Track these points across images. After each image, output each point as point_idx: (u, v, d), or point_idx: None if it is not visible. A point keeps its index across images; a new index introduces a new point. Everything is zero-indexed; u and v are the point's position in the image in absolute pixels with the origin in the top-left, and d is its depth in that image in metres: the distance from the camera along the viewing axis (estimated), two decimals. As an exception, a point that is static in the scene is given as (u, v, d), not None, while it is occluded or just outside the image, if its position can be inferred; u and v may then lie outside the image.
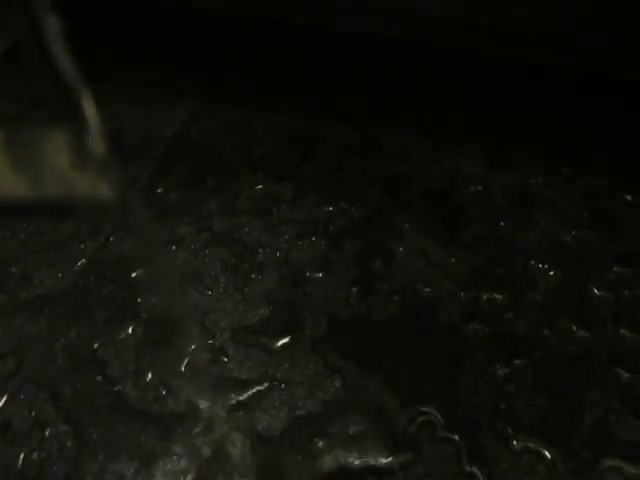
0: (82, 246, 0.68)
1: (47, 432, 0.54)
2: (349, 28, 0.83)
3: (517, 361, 0.56)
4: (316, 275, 0.65)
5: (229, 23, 0.95)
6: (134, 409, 0.55)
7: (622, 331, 0.58)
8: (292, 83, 0.87)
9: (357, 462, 0.51)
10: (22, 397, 0.56)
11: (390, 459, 0.51)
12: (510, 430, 0.52)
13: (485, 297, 0.61)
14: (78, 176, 0.25)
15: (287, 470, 0.51)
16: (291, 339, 0.60)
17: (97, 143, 0.25)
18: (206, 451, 0.53)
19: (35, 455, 0.53)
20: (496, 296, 0.61)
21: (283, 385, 0.57)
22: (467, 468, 0.50)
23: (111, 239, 0.68)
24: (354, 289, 0.63)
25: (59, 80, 0.22)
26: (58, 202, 0.26)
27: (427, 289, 0.63)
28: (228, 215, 0.71)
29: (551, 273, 0.63)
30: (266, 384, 0.57)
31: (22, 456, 0.53)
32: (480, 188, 0.71)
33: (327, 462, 0.51)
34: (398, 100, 0.82)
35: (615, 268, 0.62)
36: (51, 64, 0.21)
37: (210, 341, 0.60)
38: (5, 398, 0.57)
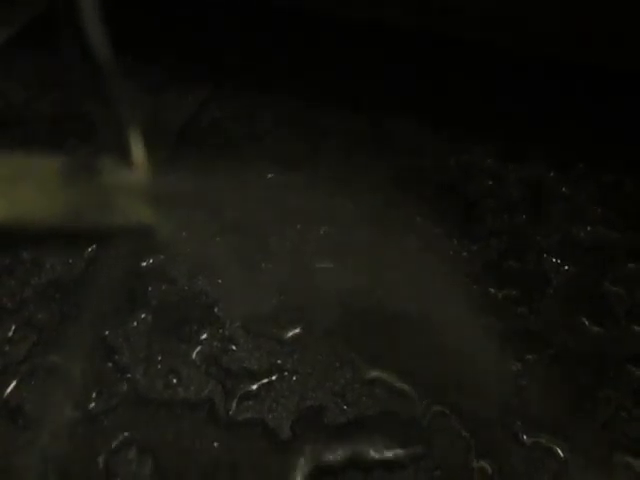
0: (92, 232, 0.68)
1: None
2: (365, 16, 0.82)
3: (529, 357, 0.56)
4: (327, 265, 0.64)
5: (242, 11, 0.94)
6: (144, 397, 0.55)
7: (635, 328, 0.58)
8: (305, 72, 0.86)
9: (367, 454, 0.51)
10: (33, 383, 0.56)
11: (400, 452, 0.51)
12: (521, 425, 0.52)
13: (497, 292, 0.61)
14: (120, 200, 0.25)
15: (296, 462, 0.51)
16: (302, 329, 0.59)
17: (135, 145, 0.25)
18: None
19: (45, 439, 0.53)
20: (509, 291, 0.61)
21: (293, 376, 0.56)
22: (477, 462, 0.50)
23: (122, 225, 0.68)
24: (365, 280, 0.63)
25: (91, 54, 0.21)
26: (100, 227, 0.26)
27: (439, 282, 0.62)
28: (239, 204, 0.71)
29: (565, 268, 0.62)
30: (276, 374, 0.57)
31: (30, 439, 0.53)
32: (494, 182, 0.70)
33: (337, 454, 0.51)
34: (413, 91, 0.81)
35: (630, 264, 0.62)
36: (85, 36, 0.21)
37: (220, 330, 0.60)
38: (15, 382, 0.57)
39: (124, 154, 0.23)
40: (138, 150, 0.24)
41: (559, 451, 0.51)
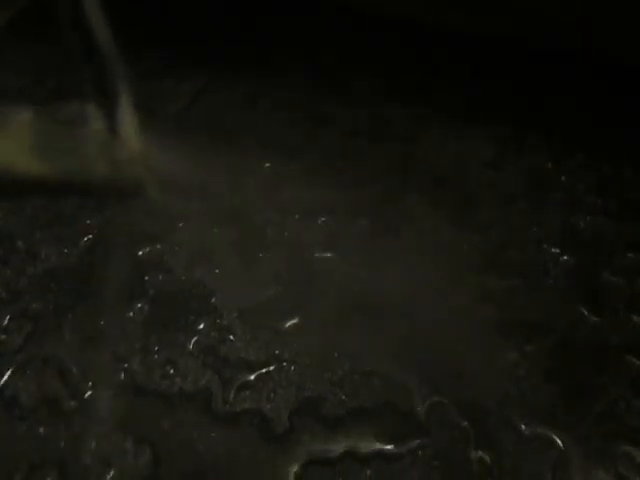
0: (88, 221, 0.67)
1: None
2: (360, 7, 0.81)
3: (528, 347, 0.56)
4: (325, 255, 0.64)
5: (242, 7, 0.93)
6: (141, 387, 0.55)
7: (635, 318, 0.57)
8: (302, 61, 0.85)
9: (365, 445, 0.51)
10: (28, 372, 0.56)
11: (398, 443, 0.51)
12: (519, 416, 0.52)
13: (496, 282, 0.61)
14: (106, 157, 0.25)
15: (294, 453, 0.51)
16: (300, 320, 0.59)
17: (128, 122, 0.24)
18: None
19: (42, 430, 0.53)
20: (508, 281, 0.61)
21: (291, 366, 0.56)
22: (476, 453, 0.50)
23: (118, 215, 0.68)
24: (364, 270, 0.62)
25: (92, 43, 0.21)
26: (83, 183, 0.25)
27: (438, 273, 0.62)
28: (236, 193, 0.70)
29: (564, 258, 0.62)
30: (274, 365, 0.56)
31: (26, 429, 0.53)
32: (493, 171, 0.70)
33: (335, 445, 0.51)
34: (411, 81, 0.81)
35: (629, 254, 0.62)
36: (86, 26, 0.20)
37: (217, 320, 0.59)
38: (10, 372, 0.56)
39: (120, 138, 0.23)
40: (134, 134, 0.23)
41: (558, 441, 0.51)
